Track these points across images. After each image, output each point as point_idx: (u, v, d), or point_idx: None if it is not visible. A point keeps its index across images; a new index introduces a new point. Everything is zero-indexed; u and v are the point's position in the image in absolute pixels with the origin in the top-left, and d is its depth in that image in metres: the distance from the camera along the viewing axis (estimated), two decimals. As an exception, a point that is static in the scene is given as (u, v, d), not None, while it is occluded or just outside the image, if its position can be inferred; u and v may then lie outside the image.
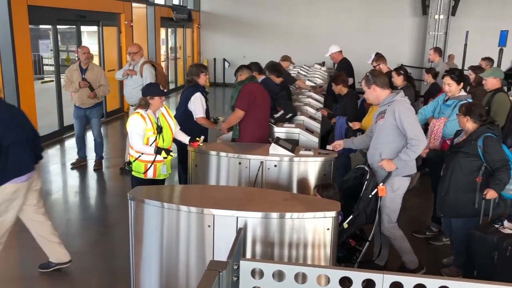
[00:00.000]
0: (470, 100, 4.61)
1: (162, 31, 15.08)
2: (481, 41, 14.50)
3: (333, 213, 3.12)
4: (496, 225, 3.77)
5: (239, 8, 17.63)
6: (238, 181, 4.54)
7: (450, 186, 4.04)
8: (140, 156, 4.35)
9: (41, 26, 9.96)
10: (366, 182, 3.83)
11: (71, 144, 7.61)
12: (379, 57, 7.40)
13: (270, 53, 11.62)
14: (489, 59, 7.76)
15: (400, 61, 16.06)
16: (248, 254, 3.08)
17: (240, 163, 4.49)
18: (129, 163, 4.40)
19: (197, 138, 4.58)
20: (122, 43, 11.82)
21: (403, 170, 3.92)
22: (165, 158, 4.35)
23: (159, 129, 4.36)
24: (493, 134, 3.93)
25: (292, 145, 4.69)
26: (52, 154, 8.35)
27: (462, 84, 4.74)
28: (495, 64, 8.31)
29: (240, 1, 17.62)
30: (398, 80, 5.99)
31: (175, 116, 4.95)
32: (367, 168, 3.95)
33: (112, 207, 6.17)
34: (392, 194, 3.94)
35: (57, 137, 9.18)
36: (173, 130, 4.56)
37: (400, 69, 6.14)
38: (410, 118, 3.84)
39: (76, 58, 7.17)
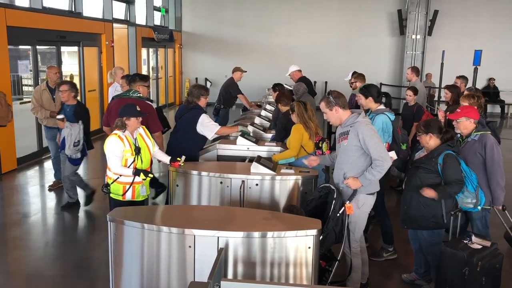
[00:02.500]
0: (388, 113, 4.69)
1: (144, 51, 15.10)
2: (457, 60, 14.85)
3: (314, 231, 3.14)
4: (465, 241, 3.83)
5: (220, 28, 17.80)
6: (220, 200, 4.53)
7: (411, 200, 4.12)
8: (118, 178, 4.28)
9: (20, 47, 9.89)
10: (334, 201, 3.84)
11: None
12: (358, 75, 7.55)
13: (252, 72, 11.66)
14: (463, 77, 7.95)
15: (379, 79, 16.37)
16: (230, 275, 3.06)
17: (221, 182, 4.49)
18: (107, 185, 4.33)
19: (178, 158, 4.57)
20: (103, 64, 11.79)
21: (367, 188, 3.97)
22: (143, 179, 4.29)
23: (137, 150, 4.30)
24: (452, 152, 4.02)
25: (273, 163, 4.72)
26: (30, 176, 8.21)
27: (370, 98, 4.74)
28: (469, 82, 8.52)
29: (222, 21, 17.80)
30: (274, 95, 7.03)
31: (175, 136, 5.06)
32: (333, 187, 3.96)
33: (92, 229, 6.07)
34: (357, 210, 3.97)
35: (36, 158, 9.04)
36: (151, 150, 4.51)
37: (277, 86, 7.24)
38: (374, 138, 3.89)
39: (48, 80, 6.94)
